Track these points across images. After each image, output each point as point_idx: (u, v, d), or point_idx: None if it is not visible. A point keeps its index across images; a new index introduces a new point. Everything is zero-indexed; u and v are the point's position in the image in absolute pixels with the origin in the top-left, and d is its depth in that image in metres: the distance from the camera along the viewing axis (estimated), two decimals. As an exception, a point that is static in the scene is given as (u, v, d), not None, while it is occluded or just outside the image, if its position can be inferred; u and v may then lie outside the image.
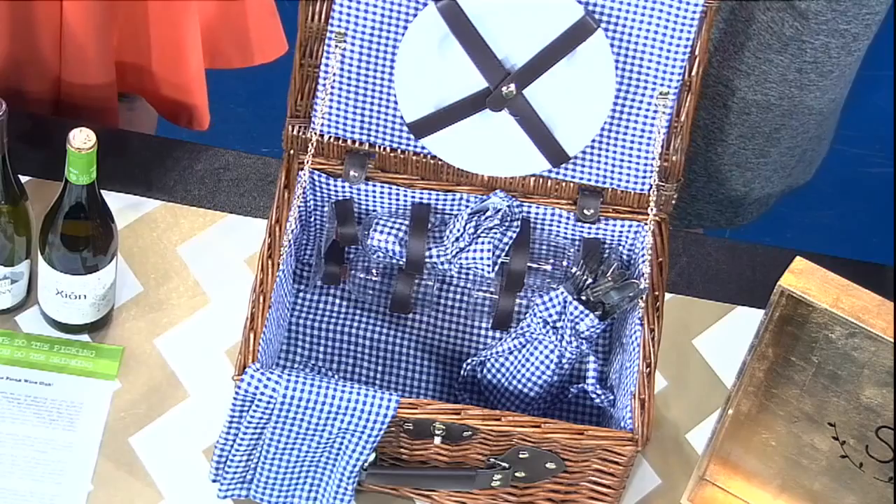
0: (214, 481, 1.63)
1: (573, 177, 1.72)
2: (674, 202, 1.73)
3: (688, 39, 1.64)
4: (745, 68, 1.84)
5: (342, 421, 1.57)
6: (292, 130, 1.72)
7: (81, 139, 1.56)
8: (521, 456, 1.60)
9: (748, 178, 1.94)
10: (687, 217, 1.97)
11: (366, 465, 1.60)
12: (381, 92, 1.69)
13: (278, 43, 1.91)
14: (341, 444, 1.59)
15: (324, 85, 1.68)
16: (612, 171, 1.71)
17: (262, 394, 1.56)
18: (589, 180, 1.72)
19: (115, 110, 1.92)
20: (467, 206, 1.74)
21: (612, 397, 1.67)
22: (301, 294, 1.77)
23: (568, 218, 1.73)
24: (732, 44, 1.83)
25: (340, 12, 1.65)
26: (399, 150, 1.72)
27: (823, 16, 1.79)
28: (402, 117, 1.70)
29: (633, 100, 1.67)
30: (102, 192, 1.65)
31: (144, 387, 1.70)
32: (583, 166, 1.72)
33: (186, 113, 1.94)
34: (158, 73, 1.89)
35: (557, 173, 1.72)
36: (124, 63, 1.89)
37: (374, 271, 1.75)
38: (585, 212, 1.72)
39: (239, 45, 1.91)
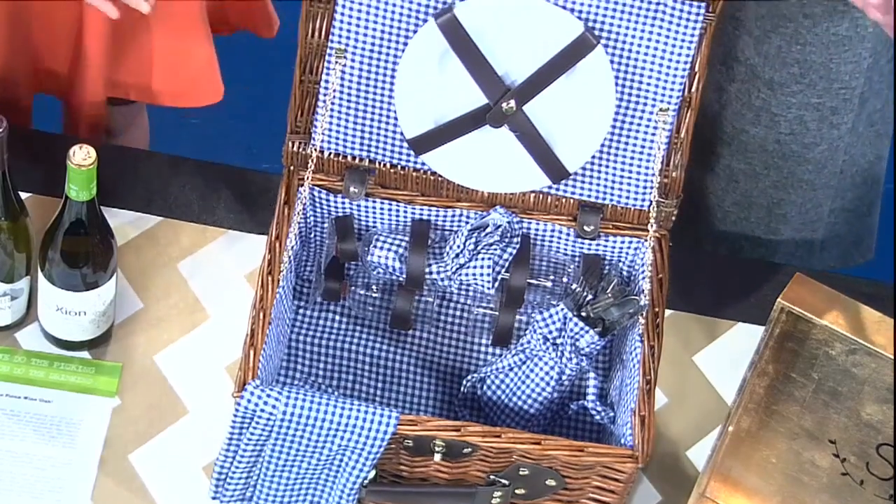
0: (214, 498, 1.62)
1: (573, 193, 1.72)
2: (673, 218, 1.73)
3: (687, 55, 1.64)
4: (725, 137, 1.85)
5: (342, 438, 1.57)
6: (292, 146, 1.72)
7: (82, 156, 1.56)
8: (521, 473, 1.60)
9: (763, 255, 1.92)
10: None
11: (366, 482, 1.60)
12: (381, 108, 1.69)
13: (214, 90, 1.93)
14: (341, 460, 1.59)
15: (324, 101, 1.68)
16: (612, 188, 1.71)
17: (262, 410, 1.55)
18: (589, 196, 1.72)
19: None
20: (467, 223, 1.74)
21: (612, 414, 1.66)
22: (301, 310, 1.76)
23: (568, 234, 1.73)
24: (710, 109, 1.83)
25: (340, 28, 1.65)
26: (399, 166, 1.72)
27: (789, 87, 1.79)
28: (402, 133, 1.70)
29: (632, 116, 1.67)
30: (102, 208, 1.65)
31: (144, 403, 1.70)
32: (583, 182, 1.72)
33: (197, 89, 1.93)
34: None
35: (557, 189, 1.72)
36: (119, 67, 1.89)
37: (374, 287, 1.75)
38: (585, 228, 1.72)
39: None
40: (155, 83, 1.90)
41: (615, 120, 1.68)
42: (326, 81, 1.68)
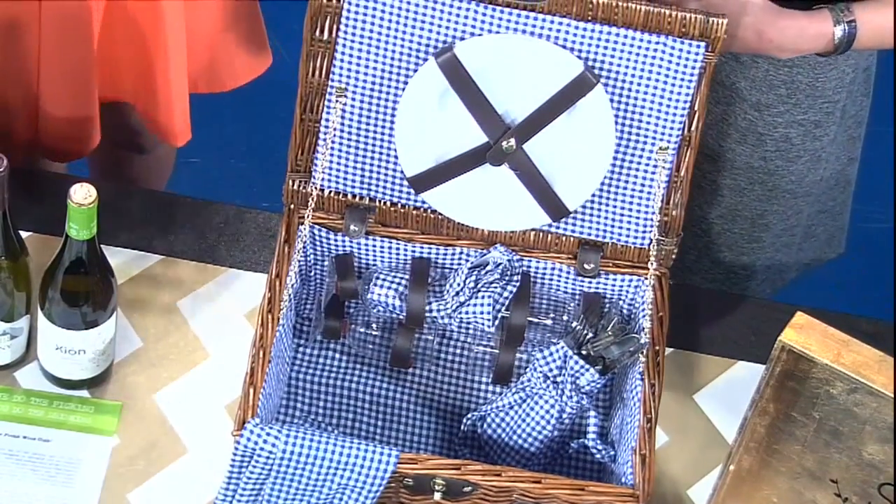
0: (213, 538, 1.62)
1: (573, 231, 1.72)
2: (674, 257, 1.73)
3: (687, 94, 1.64)
4: (710, 153, 1.86)
5: (342, 476, 1.56)
6: (293, 185, 1.73)
7: (82, 194, 1.56)
8: (521, 512, 1.59)
9: (745, 263, 1.93)
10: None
11: (365, 521, 1.59)
12: (381, 146, 1.70)
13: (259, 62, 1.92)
14: (341, 499, 1.58)
15: (324, 140, 1.69)
16: (613, 226, 1.72)
17: (262, 449, 1.55)
18: (589, 235, 1.72)
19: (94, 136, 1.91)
20: (467, 261, 1.74)
21: (612, 452, 1.66)
22: (301, 348, 1.76)
23: (568, 272, 1.73)
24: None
25: (341, 68, 1.66)
26: (399, 205, 1.72)
27: (776, 108, 1.80)
28: (402, 172, 1.70)
29: (632, 154, 1.68)
30: (102, 247, 1.65)
31: (143, 442, 1.69)
32: (583, 221, 1.72)
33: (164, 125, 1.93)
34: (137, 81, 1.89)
35: (557, 227, 1.72)
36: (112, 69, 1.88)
37: (374, 326, 1.75)
38: (586, 266, 1.72)
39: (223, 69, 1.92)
40: (213, 71, 1.89)
41: (615, 158, 1.68)
42: (327, 120, 1.68)
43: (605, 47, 1.62)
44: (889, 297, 2.63)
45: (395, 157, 1.70)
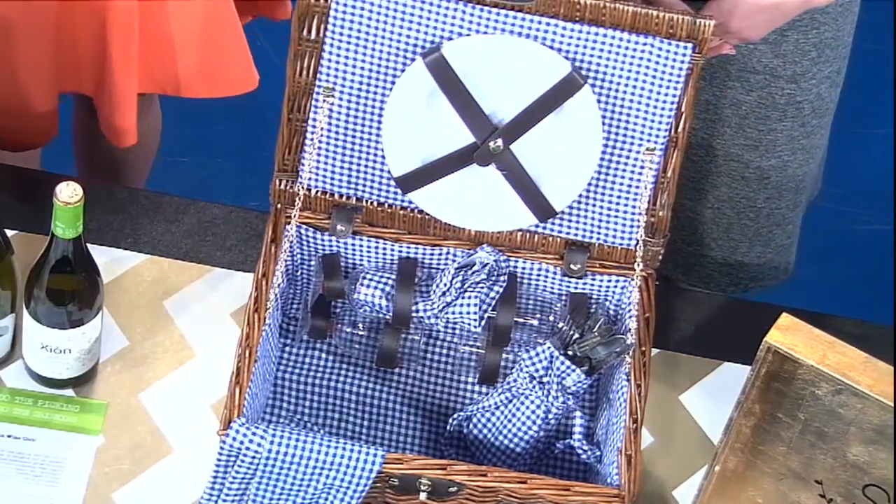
0: (198, 537, 1.62)
1: (560, 232, 1.72)
2: (660, 258, 1.73)
3: (674, 96, 1.64)
4: (749, 143, 1.86)
5: (327, 476, 1.56)
6: (280, 185, 1.73)
7: (68, 193, 1.56)
8: (507, 512, 1.59)
9: (745, 252, 1.93)
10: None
11: (351, 521, 1.59)
12: (368, 146, 1.70)
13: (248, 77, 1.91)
14: (326, 499, 1.58)
15: (311, 139, 1.69)
16: (599, 227, 1.72)
17: (248, 449, 1.55)
18: (576, 235, 1.72)
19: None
20: (454, 261, 1.74)
21: (598, 453, 1.66)
22: (287, 348, 1.76)
23: (555, 273, 1.74)
24: (727, 125, 1.84)
25: (328, 67, 1.66)
26: (386, 205, 1.72)
27: (810, 72, 1.81)
28: (389, 172, 1.70)
29: (619, 155, 1.68)
30: (89, 245, 1.65)
31: (129, 442, 1.69)
32: (570, 221, 1.72)
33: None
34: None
35: (544, 228, 1.72)
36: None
37: (360, 325, 1.74)
38: (572, 267, 1.72)
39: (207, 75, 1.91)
40: (187, 75, 1.88)
41: (602, 159, 1.68)
42: (314, 120, 1.68)
43: (593, 48, 1.62)
44: (875, 299, 2.63)
45: (383, 157, 1.70)
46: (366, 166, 1.71)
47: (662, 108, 1.65)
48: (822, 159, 1.98)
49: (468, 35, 1.63)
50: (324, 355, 1.76)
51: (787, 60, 1.80)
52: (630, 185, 1.69)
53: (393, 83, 1.66)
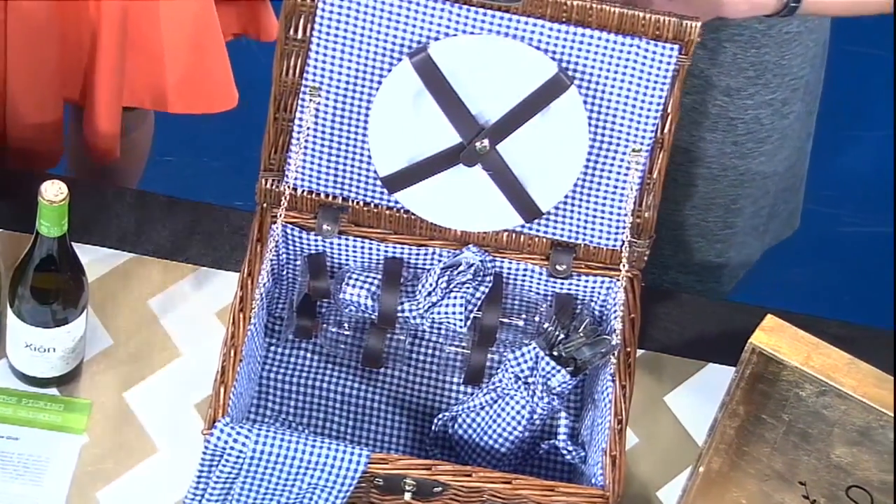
0: (182, 537, 1.61)
1: (546, 232, 1.73)
2: (646, 259, 1.73)
3: (660, 97, 1.64)
4: (683, 146, 1.86)
5: (312, 476, 1.56)
6: (266, 184, 1.72)
7: (53, 191, 1.56)
8: (491, 512, 1.59)
9: (720, 250, 1.94)
10: (664, 286, 1.98)
11: (335, 521, 1.59)
12: (354, 146, 1.70)
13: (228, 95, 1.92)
14: (311, 499, 1.58)
15: (297, 139, 1.68)
16: (585, 227, 1.72)
17: (232, 448, 1.55)
18: (562, 236, 1.73)
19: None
20: (440, 261, 1.74)
21: (583, 454, 1.66)
22: (272, 348, 1.76)
23: (540, 273, 1.74)
24: None
25: (315, 67, 1.66)
26: (372, 205, 1.72)
27: (746, 91, 1.82)
28: (375, 171, 1.70)
29: (605, 156, 1.68)
30: (73, 244, 1.65)
31: (113, 441, 1.69)
32: (555, 222, 1.72)
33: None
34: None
35: (530, 229, 1.73)
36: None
37: (346, 325, 1.74)
38: (558, 267, 1.73)
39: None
40: (169, 90, 1.89)
41: (588, 160, 1.68)
42: (300, 119, 1.68)
43: (579, 49, 1.62)
44: (860, 301, 2.64)
45: (369, 156, 1.70)
46: (352, 166, 1.71)
47: (648, 110, 1.65)
48: (775, 191, 1.95)
49: (455, 35, 1.63)
50: (309, 355, 1.76)
51: (722, 71, 1.80)
52: (616, 186, 1.69)
53: (379, 83, 1.66)
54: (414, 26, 1.63)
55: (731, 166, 1.88)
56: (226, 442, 1.55)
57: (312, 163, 1.70)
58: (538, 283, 1.75)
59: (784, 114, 1.86)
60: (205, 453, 1.55)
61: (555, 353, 1.66)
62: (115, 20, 1.80)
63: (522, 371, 1.66)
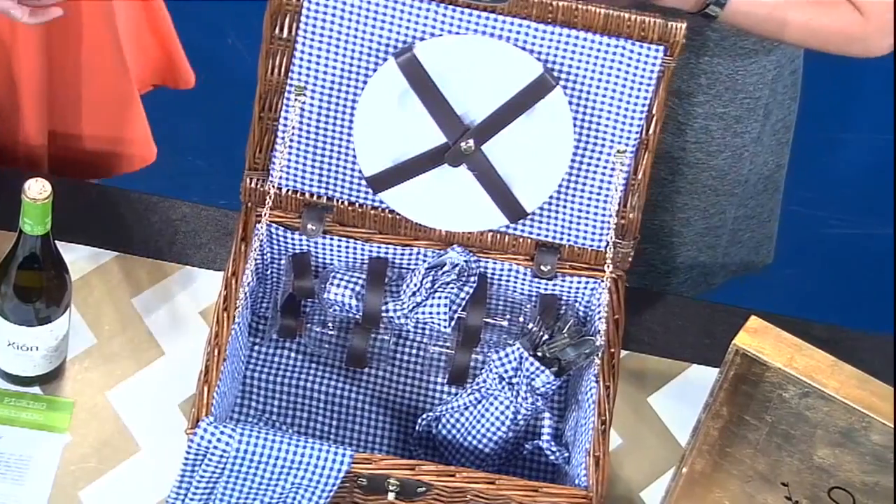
0: (165, 536, 1.61)
1: (530, 233, 1.73)
2: (630, 259, 1.73)
3: (645, 98, 1.65)
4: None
5: (295, 476, 1.56)
6: (250, 183, 1.72)
7: (37, 189, 1.55)
8: (475, 513, 1.59)
9: (666, 257, 1.94)
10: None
11: (319, 520, 1.59)
12: (339, 146, 1.70)
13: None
14: (294, 498, 1.58)
15: (282, 138, 1.68)
16: (570, 228, 1.72)
17: (216, 448, 1.54)
18: (546, 236, 1.73)
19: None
20: (424, 261, 1.74)
21: (566, 454, 1.66)
22: (256, 347, 1.76)
23: (525, 274, 1.74)
24: None
25: (300, 66, 1.66)
26: (357, 204, 1.72)
27: (696, 97, 1.82)
28: (360, 171, 1.70)
29: (590, 157, 1.68)
30: (57, 242, 1.64)
31: (96, 440, 1.69)
32: (540, 222, 1.72)
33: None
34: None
35: (515, 229, 1.73)
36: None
37: (330, 325, 1.74)
38: (542, 268, 1.73)
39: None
40: (94, 162, 1.93)
41: (573, 161, 1.68)
42: (285, 119, 1.68)
43: (565, 50, 1.63)
44: (844, 303, 2.65)
45: (354, 156, 1.70)
46: (337, 166, 1.70)
47: (633, 110, 1.65)
48: (735, 216, 1.94)
49: (440, 35, 1.63)
50: (293, 354, 1.76)
51: (675, 73, 1.80)
52: (601, 187, 1.69)
53: (365, 83, 1.66)
54: (399, 26, 1.63)
55: (678, 172, 1.88)
56: (209, 441, 1.54)
57: (297, 162, 1.70)
58: (523, 284, 1.75)
59: (738, 132, 1.86)
60: (188, 452, 1.55)
61: (539, 354, 1.66)
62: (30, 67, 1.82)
63: (506, 371, 1.66)
